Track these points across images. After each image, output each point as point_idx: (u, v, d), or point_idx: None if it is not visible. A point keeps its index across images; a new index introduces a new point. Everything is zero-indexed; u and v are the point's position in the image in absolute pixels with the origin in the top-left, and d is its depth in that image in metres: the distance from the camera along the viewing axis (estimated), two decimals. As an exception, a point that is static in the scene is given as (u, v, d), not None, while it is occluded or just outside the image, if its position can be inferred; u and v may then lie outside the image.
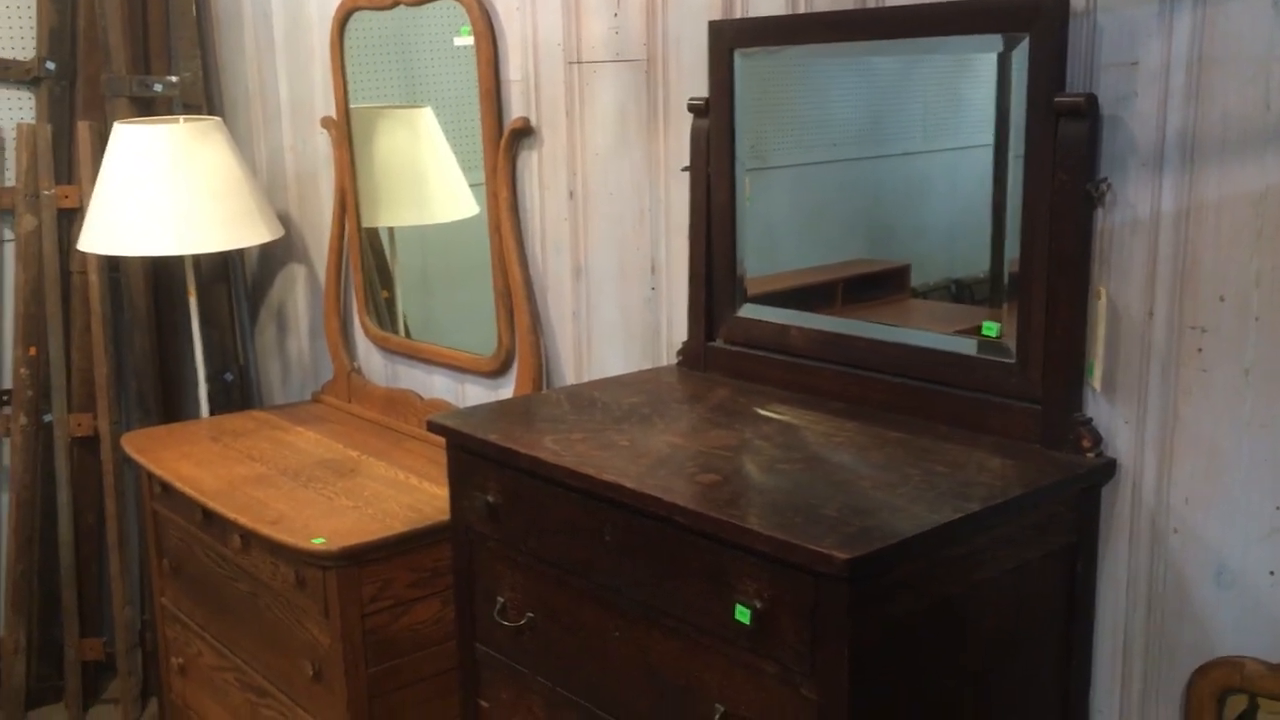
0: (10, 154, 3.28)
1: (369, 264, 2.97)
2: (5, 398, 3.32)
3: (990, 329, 1.68)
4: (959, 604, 1.45)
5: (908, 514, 1.41)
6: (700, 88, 2.05)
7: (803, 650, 1.35)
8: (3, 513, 3.34)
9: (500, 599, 1.79)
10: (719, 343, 2.06)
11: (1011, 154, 1.62)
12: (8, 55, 3.26)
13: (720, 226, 2.03)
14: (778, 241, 2.09)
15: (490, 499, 1.76)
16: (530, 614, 1.74)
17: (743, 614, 1.39)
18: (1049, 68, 1.55)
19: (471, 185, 2.64)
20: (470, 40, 2.46)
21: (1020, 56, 1.59)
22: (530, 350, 2.47)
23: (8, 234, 3.30)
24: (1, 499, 3.35)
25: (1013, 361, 1.64)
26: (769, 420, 1.79)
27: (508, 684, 1.84)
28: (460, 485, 1.83)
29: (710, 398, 1.93)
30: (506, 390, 2.57)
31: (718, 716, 1.45)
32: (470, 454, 1.79)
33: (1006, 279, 1.67)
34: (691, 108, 2.03)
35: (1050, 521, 1.54)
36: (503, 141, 2.45)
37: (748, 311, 2.02)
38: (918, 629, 1.40)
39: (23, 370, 3.27)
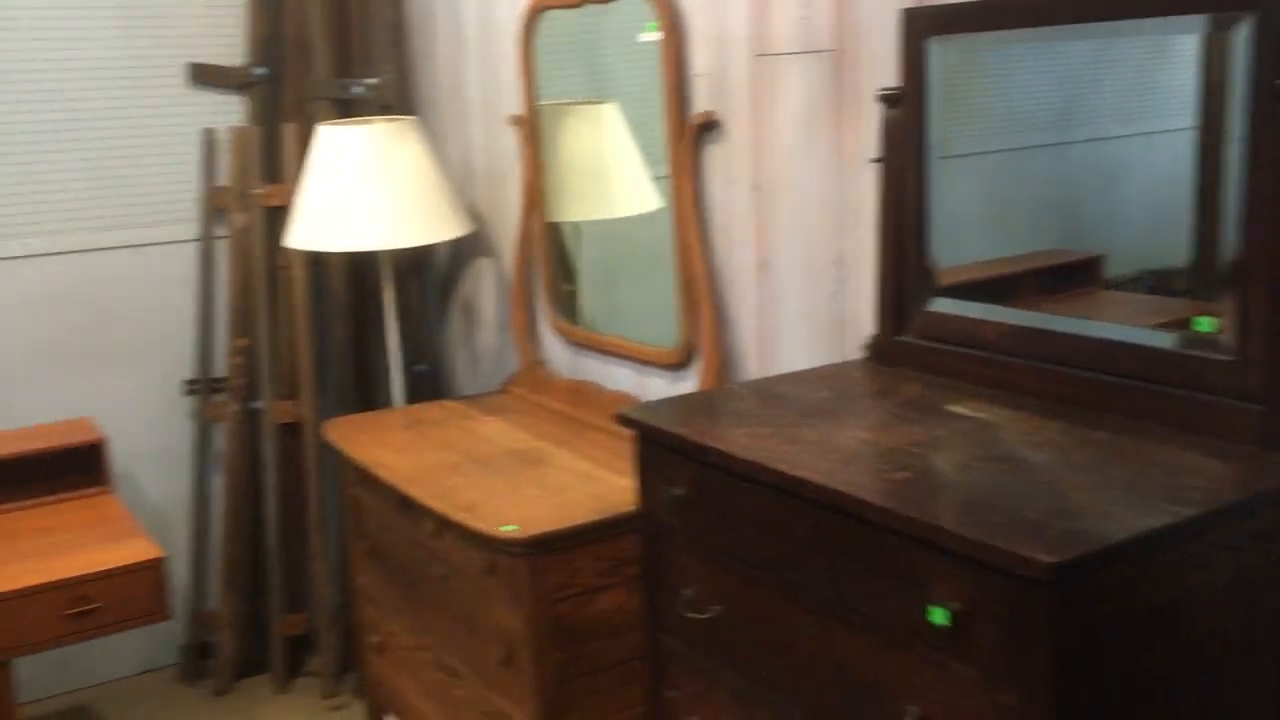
0: (223, 156, 3.49)
1: (553, 258, 3.04)
2: (220, 385, 3.53)
3: (1205, 324, 1.60)
4: (1169, 612, 1.39)
5: (1115, 518, 1.35)
6: (890, 77, 2.02)
7: (1001, 654, 1.32)
8: (218, 494, 3.56)
9: (687, 591, 1.81)
10: (908, 337, 2.02)
11: (1230, 138, 1.53)
12: (221, 63, 3.46)
13: (909, 218, 2.00)
14: (965, 233, 2.03)
15: (679, 492, 1.78)
16: (717, 606, 1.75)
17: (938, 615, 1.36)
18: (1278, 48, 1.47)
19: (654, 179, 2.66)
20: (656, 36, 2.48)
21: (1240, 37, 1.50)
22: (713, 344, 2.48)
23: (223, 231, 3.51)
24: (216, 481, 3.57)
25: (1232, 359, 1.55)
26: (962, 417, 1.75)
27: (694, 675, 1.86)
28: (649, 478, 1.86)
29: (899, 393, 1.90)
30: (688, 383, 2.59)
31: (910, 718, 1.43)
32: (659, 447, 1.81)
33: (1221, 270, 1.58)
34: (883, 98, 2.00)
35: (1272, 528, 1.46)
36: (687, 135, 2.47)
37: (938, 305, 1.98)
38: (1123, 636, 1.35)
39: (235, 359, 3.47)
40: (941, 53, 1.91)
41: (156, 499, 3.54)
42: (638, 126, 2.75)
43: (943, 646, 1.40)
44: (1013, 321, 1.86)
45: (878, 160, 2.04)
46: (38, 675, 3.42)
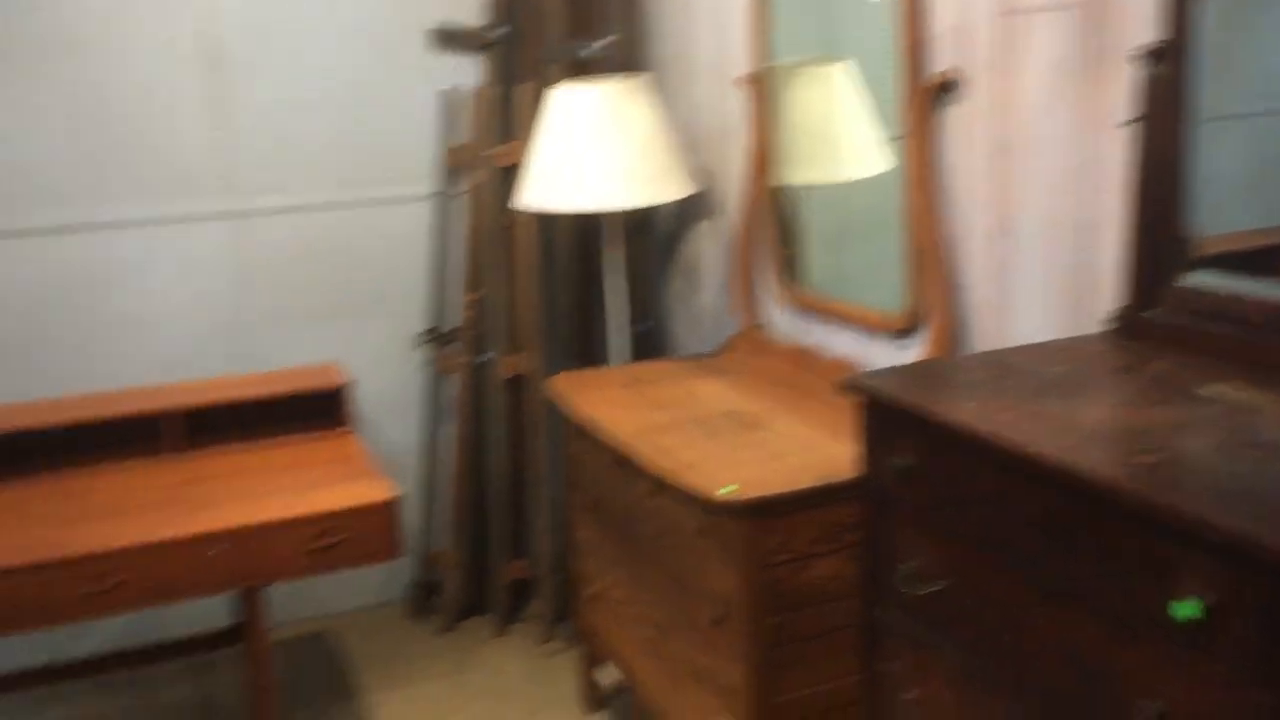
0: (460, 116, 3.61)
1: (778, 220, 3.01)
2: (452, 338, 3.68)
3: None
4: None
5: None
6: (1143, 34, 1.89)
7: (1257, 651, 1.23)
8: (447, 442, 3.72)
9: (909, 564, 1.77)
10: (1157, 310, 1.90)
11: None
12: (461, 24, 3.58)
13: (1166, 184, 1.87)
14: (1227, 200, 1.89)
15: (904, 463, 1.73)
16: (941, 582, 1.71)
17: (1187, 608, 1.28)
18: None
19: (886, 141, 2.59)
20: (894, -7, 2.40)
21: None
22: (942, 311, 2.40)
23: (459, 189, 3.64)
24: (446, 429, 3.72)
25: None
26: (1216, 399, 1.64)
27: (911, 651, 1.82)
28: (874, 447, 1.82)
29: (1146, 370, 1.79)
30: (913, 351, 2.52)
31: (1154, 714, 1.35)
32: (886, 416, 1.77)
33: None
34: (1140, 56, 1.88)
35: None
36: (924, 96, 2.38)
37: (1193, 277, 1.85)
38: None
39: (467, 312, 3.60)
40: (1210, 7, 1.77)
41: (392, 443, 3.73)
42: (870, 86, 2.68)
43: (1188, 640, 1.31)
44: (1278, 298, 1.72)
45: (1132, 121, 1.92)
46: (283, 603, 3.68)
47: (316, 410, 3.07)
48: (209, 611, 3.54)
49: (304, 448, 2.94)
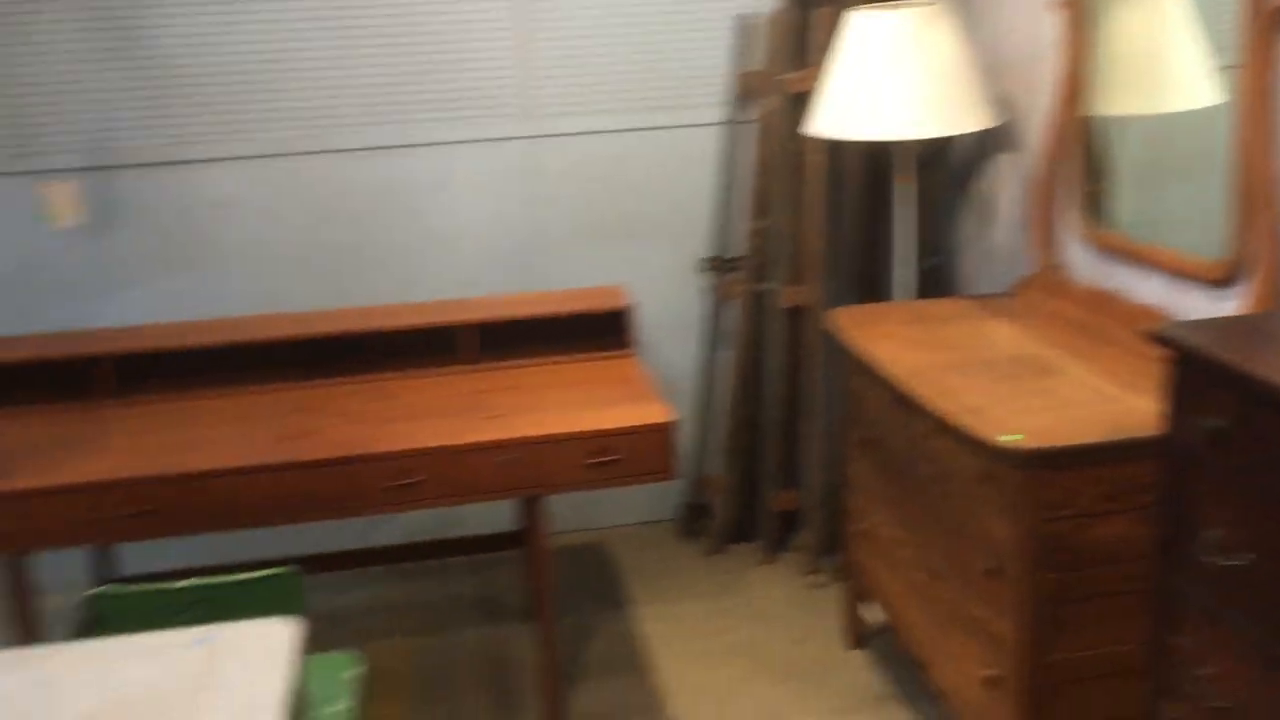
0: (753, 42, 3.57)
1: (1085, 154, 2.82)
2: (735, 264, 3.69)
3: None
4: None
5: None
6: None
7: None
8: (725, 368, 3.75)
9: (1213, 532, 1.64)
10: None
11: None
12: (760, -52, 3.52)
13: None
14: None
15: (1216, 424, 1.60)
16: (1250, 555, 1.58)
17: None
18: None
19: (1216, 70, 2.36)
20: (1240, -96, 2.17)
21: None
22: (1270, 261, 2.19)
23: (749, 114, 3.61)
24: (724, 356, 3.76)
25: None
26: None
27: (1207, 624, 1.70)
28: (1181, 404, 1.69)
29: None
30: (1232, 304, 2.31)
31: None
32: (1200, 371, 1.64)
33: None
34: None
35: None
36: (1266, 20, 2.15)
37: None
38: None
39: (751, 240, 3.59)
40: None
41: (670, 366, 3.80)
42: (1202, 9, 2.45)
43: None
44: None
45: None
46: (563, 514, 3.86)
47: (601, 331, 3.17)
48: (497, 515, 3.76)
49: (587, 367, 3.04)
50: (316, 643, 3.31)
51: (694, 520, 3.86)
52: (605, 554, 3.78)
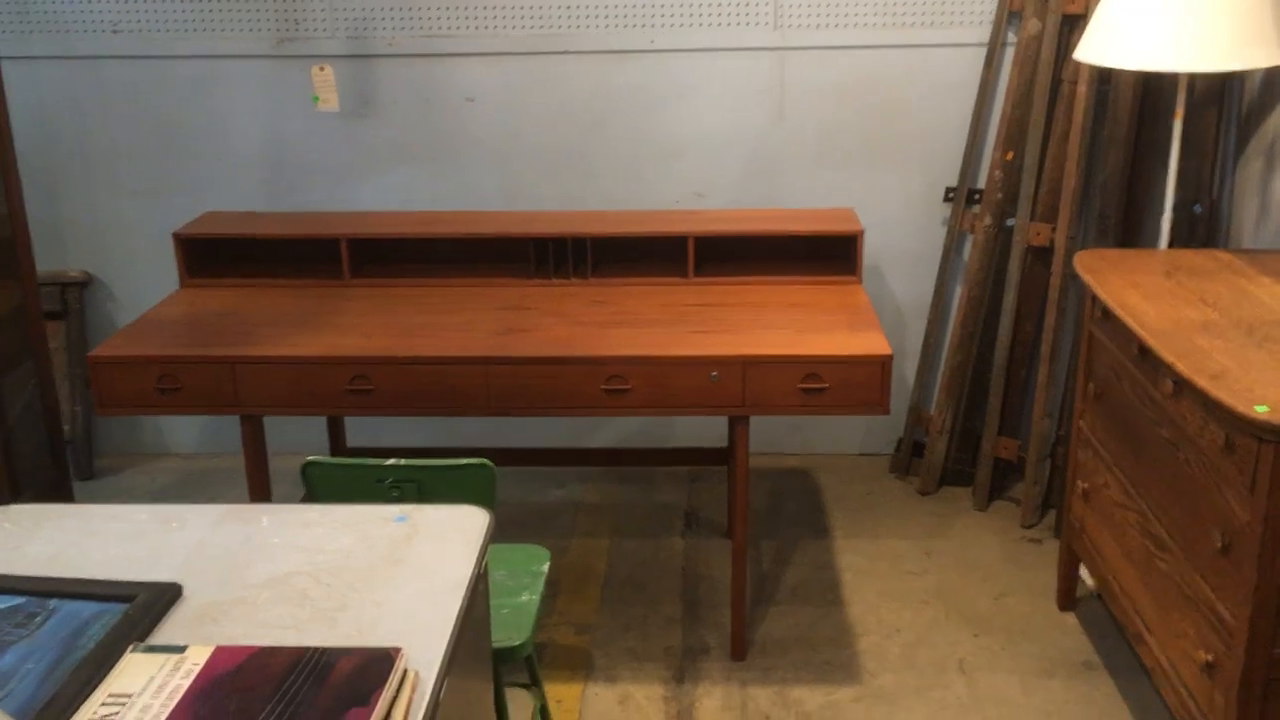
0: (1026, -43, 3.33)
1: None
2: (977, 197, 3.50)
3: None
4: None
5: None
6: None
7: None
8: (954, 303, 3.59)
9: None
10: None
11: None
12: None
13: None
14: None
15: None
16: None
17: None
18: None
19: None
20: None
21: None
22: None
23: (1011, 37, 3.39)
24: (955, 290, 3.59)
25: None
26: None
27: None
28: None
29: None
30: None
31: None
32: None
33: None
34: None
35: None
36: None
37: None
38: None
39: (997, 173, 3.40)
40: None
41: (899, 296, 3.67)
42: None
43: None
44: None
45: None
46: (776, 435, 3.82)
47: (827, 255, 3.08)
48: (710, 428, 3.76)
49: (810, 290, 2.96)
50: (525, 531, 3.46)
51: (908, 457, 3.74)
52: (816, 481, 3.72)
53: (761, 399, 2.56)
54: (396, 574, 1.67)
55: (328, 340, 2.65)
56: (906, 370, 3.75)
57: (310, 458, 1.95)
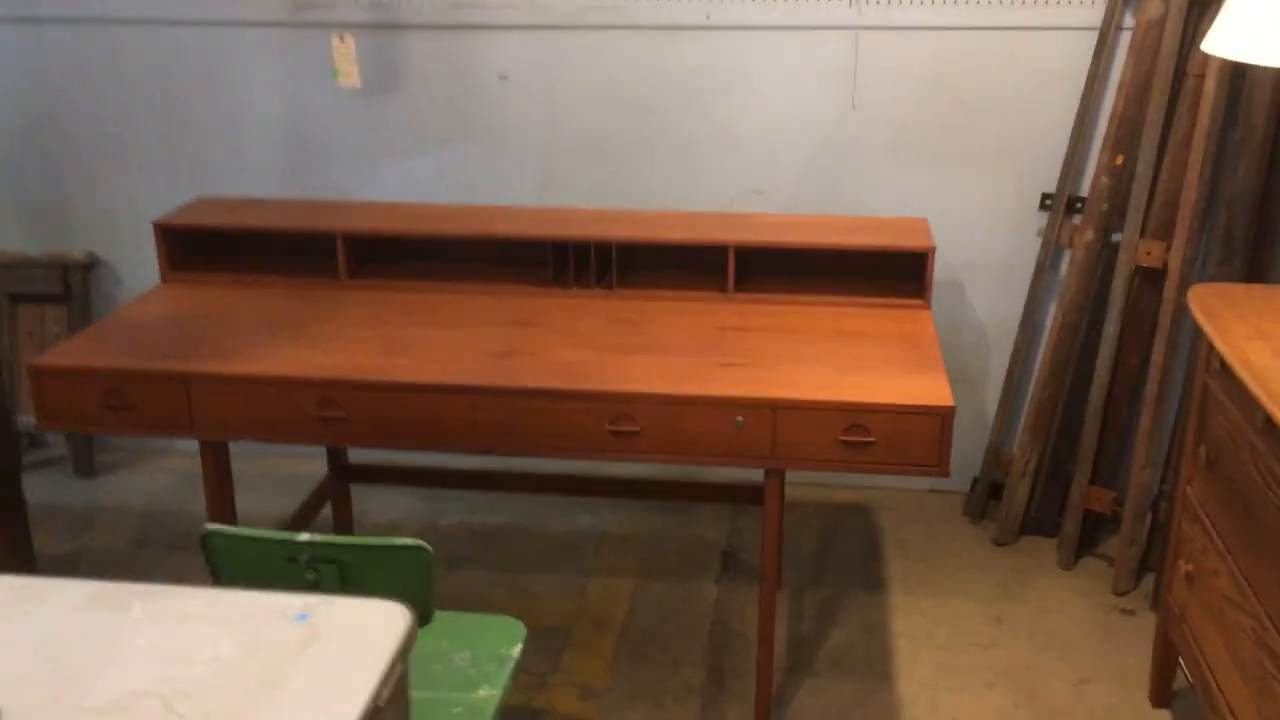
0: (1151, -74, 2.81)
1: None
2: (1078, 206, 3.00)
3: None
4: None
5: None
6: None
7: None
8: (1046, 327, 3.11)
9: None
10: None
11: None
12: None
13: None
14: None
15: None
16: None
17: None
18: None
19: None
20: None
21: None
22: None
23: (1129, 21, 2.88)
24: (1049, 313, 3.11)
25: None
26: None
27: None
28: None
29: None
30: None
31: None
32: None
33: None
34: None
35: None
36: None
37: None
38: None
39: (1103, 179, 2.90)
40: None
41: (981, 315, 3.20)
42: None
43: None
44: None
45: None
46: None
47: (894, 272, 2.63)
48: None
49: (866, 314, 2.52)
50: (539, 566, 3.09)
51: (984, 500, 3.28)
52: (874, 520, 3.29)
53: (793, 451, 2.14)
54: (273, 703, 1.31)
55: (299, 356, 2.30)
56: (988, 401, 3.28)
57: (209, 526, 1.61)
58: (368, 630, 1.44)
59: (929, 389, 2.14)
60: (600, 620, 2.84)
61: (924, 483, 3.42)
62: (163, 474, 3.56)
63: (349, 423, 2.23)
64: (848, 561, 3.09)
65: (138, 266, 3.47)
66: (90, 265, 3.50)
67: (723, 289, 2.61)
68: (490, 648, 1.91)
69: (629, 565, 3.08)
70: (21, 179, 3.47)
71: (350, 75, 3.23)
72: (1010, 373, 3.19)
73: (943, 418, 2.09)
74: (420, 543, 1.58)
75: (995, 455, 3.23)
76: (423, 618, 1.62)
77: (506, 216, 2.78)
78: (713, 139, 3.17)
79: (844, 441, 2.12)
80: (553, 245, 2.65)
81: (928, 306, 2.55)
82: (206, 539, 1.59)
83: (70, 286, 3.48)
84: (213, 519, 2.41)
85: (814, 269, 2.68)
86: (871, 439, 2.11)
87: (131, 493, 3.45)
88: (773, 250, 2.62)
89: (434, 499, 3.38)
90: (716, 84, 3.12)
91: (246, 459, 2.93)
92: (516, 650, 1.91)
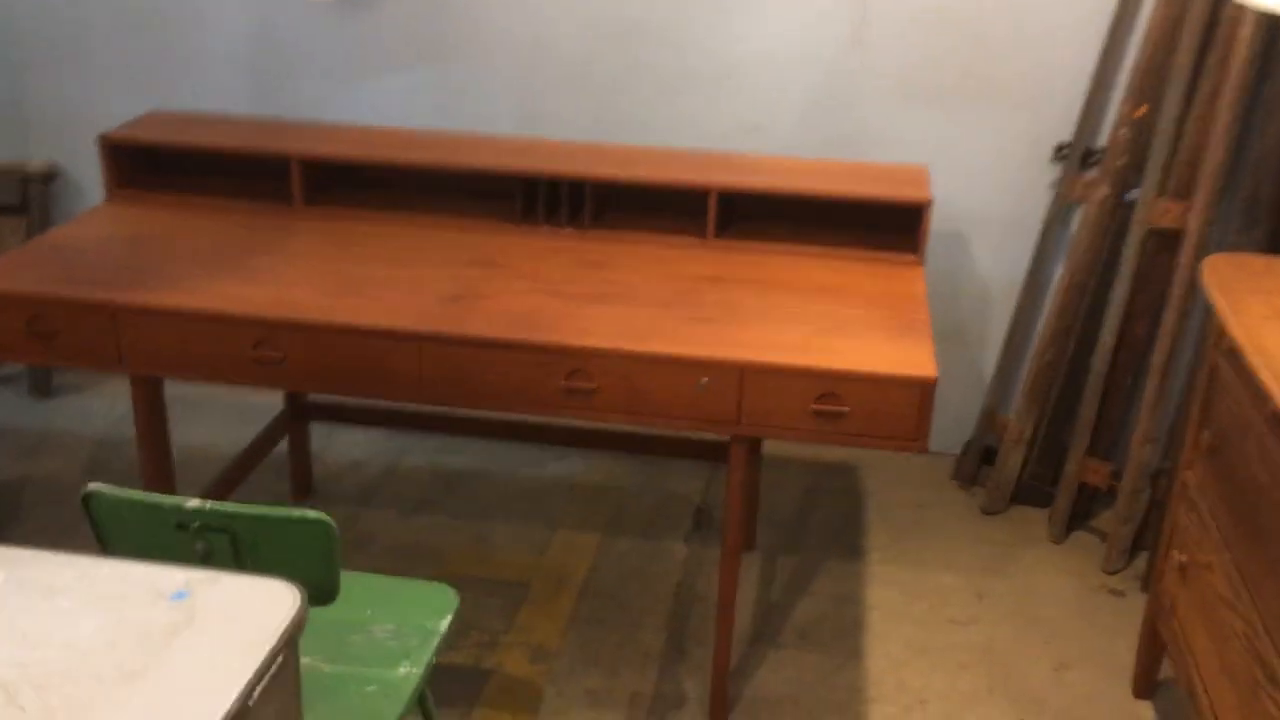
0: None
1: None
2: (1094, 159, 2.80)
3: None
4: None
5: None
6: None
7: None
8: (1052, 287, 2.92)
9: None
10: None
11: None
12: None
13: None
14: None
15: None
16: None
17: None
18: None
19: None
20: None
21: None
22: None
23: (1158, -41, 2.65)
24: (1055, 272, 2.92)
25: None
26: None
27: None
28: None
29: None
30: None
31: None
32: None
33: None
34: None
35: None
36: None
37: None
38: None
39: (1123, 131, 2.69)
40: None
41: (983, 270, 3.01)
42: None
43: None
44: None
45: None
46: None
47: (889, 224, 2.44)
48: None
49: (855, 268, 2.34)
50: (503, 516, 2.94)
51: (975, 465, 3.12)
52: (860, 481, 3.13)
53: (760, 418, 1.98)
54: (128, 696, 1.17)
55: (237, 290, 2.14)
56: (985, 362, 3.10)
57: (91, 487, 1.45)
58: (250, 614, 1.29)
59: (911, 357, 1.97)
60: (561, 576, 2.71)
61: (914, 443, 3.26)
62: (123, 399, 3.41)
63: (285, 365, 2.07)
64: (827, 525, 2.95)
65: (99, 180, 3.29)
66: (50, 176, 3.33)
67: (702, 235, 2.43)
68: (417, 618, 1.77)
69: (597, 519, 2.94)
70: (-22, 82, 3.29)
71: (323, -15, 3.03)
72: (1011, 333, 3.01)
73: (923, 389, 1.92)
74: (321, 515, 1.43)
75: (990, 419, 3.06)
76: (325, 596, 1.47)
77: (477, 146, 2.59)
78: (707, 69, 2.96)
79: (815, 411, 1.95)
80: (522, 180, 2.46)
81: (921, 263, 2.37)
82: (88, 500, 1.45)
83: (29, 198, 3.32)
84: (145, 460, 2.27)
85: (803, 215, 2.49)
86: (845, 409, 1.94)
87: (88, 417, 3.32)
88: (758, 195, 2.43)
89: (399, 438, 3.23)
90: (716, 12, 2.91)
91: (211, 386, 2.79)
92: (445, 623, 1.77)
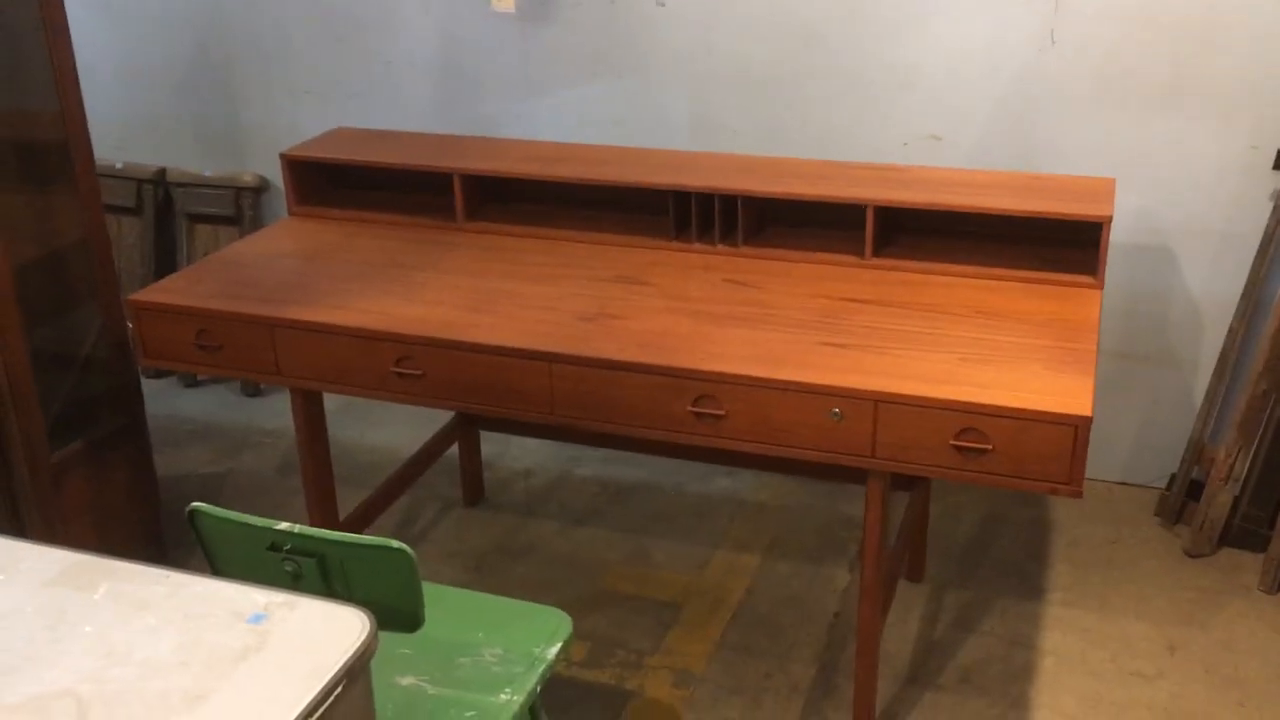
0: None
1: None
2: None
3: None
4: None
5: None
6: None
7: None
8: (1270, 309, 2.62)
9: None
10: None
11: None
12: None
13: None
14: None
15: None
16: None
17: None
18: None
19: None
20: None
21: None
22: None
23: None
24: (1274, 291, 2.62)
25: None
26: None
27: None
28: None
29: None
30: None
31: None
32: None
33: None
34: None
35: None
36: None
37: None
38: None
39: (1355, 135, 2.38)
40: None
41: (1194, 289, 2.74)
42: None
43: None
44: None
45: None
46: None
47: (1063, 242, 2.25)
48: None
49: (1023, 290, 2.17)
50: (666, 532, 2.89)
51: (1182, 499, 2.85)
52: (1050, 510, 2.92)
53: (896, 451, 1.86)
54: (207, 709, 1.20)
55: (383, 307, 2.19)
56: (1195, 389, 2.83)
57: (195, 506, 1.51)
58: (320, 641, 1.30)
59: (1067, 392, 1.80)
60: (715, 598, 2.65)
61: (1116, 471, 3.01)
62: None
63: (424, 380, 2.10)
64: (1006, 558, 2.76)
65: (302, 192, 3.46)
66: (261, 189, 3.54)
67: (861, 253, 2.31)
68: (526, 644, 1.75)
69: (760, 539, 2.86)
70: (198, 102, 3.52)
71: (504, 0, 3.08)
72: (1223, 359, 2.73)
73: (1076, 429, 1.74)
74: (402, 546, 1.42)
75: (1198, 451, 2.79)
76: (409, 623, 1.47)
77: (635, 160, 2.56)
78: (886, 76, 2.83)
79: (956, 446, 1.81)
80: (674, 194, 2.41)
81: (1100, 286, 2.17)
82: (192, 517, 1.50)
83: (241, 209, 3.53)
84: (304, 468, 2.37)
85: (975, 233, 2.33)
86: (988, 446, 1.79)
87: (289, 416, 3.50)
88: (919, 210, 2.29)
89: (571, 448, 3.25)
90: (892, 12, 2.77)
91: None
92: (554, 651, 1.75)
